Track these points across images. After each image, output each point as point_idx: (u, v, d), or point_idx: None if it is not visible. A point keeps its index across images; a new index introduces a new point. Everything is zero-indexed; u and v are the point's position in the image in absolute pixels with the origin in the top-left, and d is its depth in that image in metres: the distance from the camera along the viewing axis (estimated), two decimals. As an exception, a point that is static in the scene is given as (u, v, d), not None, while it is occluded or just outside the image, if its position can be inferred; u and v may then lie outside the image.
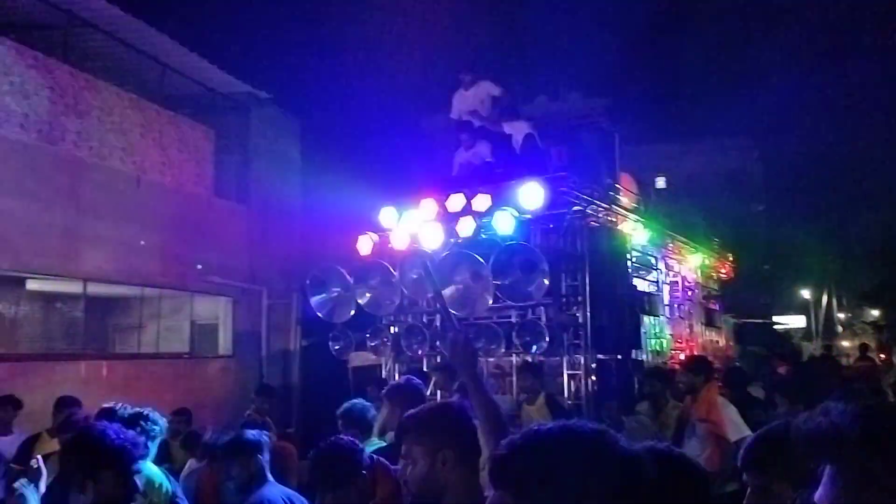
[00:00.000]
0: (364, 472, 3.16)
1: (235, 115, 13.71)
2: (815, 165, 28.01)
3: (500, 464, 1.26)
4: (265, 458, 3.72)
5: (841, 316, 31.22)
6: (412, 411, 2.49)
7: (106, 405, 4.56)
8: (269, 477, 3.70)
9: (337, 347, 8.34)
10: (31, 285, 10.79)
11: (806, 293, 30.49)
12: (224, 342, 13.04)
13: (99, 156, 10.39)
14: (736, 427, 5.09)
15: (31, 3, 10.06)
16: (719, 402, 5.31)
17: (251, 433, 3.84)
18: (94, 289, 10.62)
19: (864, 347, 15.77)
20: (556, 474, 1.18)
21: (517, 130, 8.57)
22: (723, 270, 12.20)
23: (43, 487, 3.13)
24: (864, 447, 1.31)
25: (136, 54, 11.57)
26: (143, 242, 10.76)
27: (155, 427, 4.10)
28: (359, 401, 4.85)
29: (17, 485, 3.05)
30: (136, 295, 11.66)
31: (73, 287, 10.51)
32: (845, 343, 26.62)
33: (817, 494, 1.38)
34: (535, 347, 7.07)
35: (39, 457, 3.30)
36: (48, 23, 10.45)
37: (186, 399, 8.56)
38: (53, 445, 5.18)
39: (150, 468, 3.82)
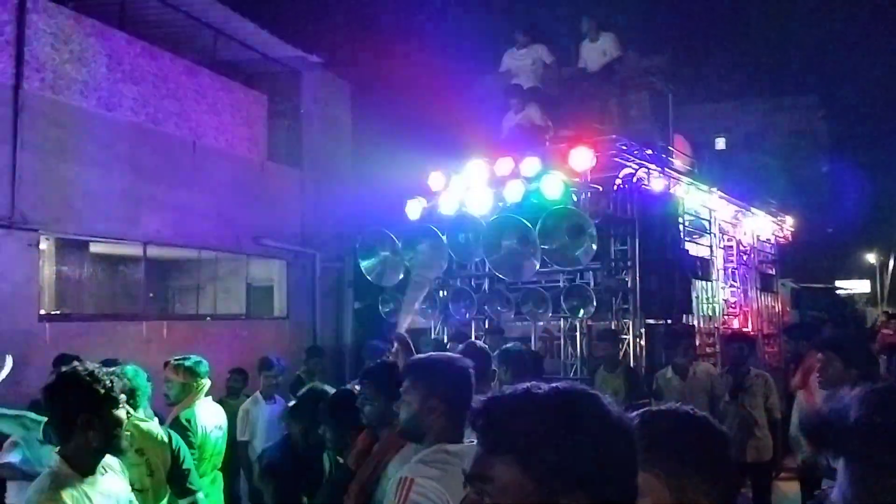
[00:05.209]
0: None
1: (287, 79, 13.80)
2: (883, 124, 26.84)
3: (485, 417, 1.15)
4: None
5: (908, 281, 30.07)
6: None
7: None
8: None
9: (387, 310, 8.46)
10: (95, 248, 11.17)
11: (871, 257, 29.49)
12: (279, 304, 13.32)
13: (155, 121, 10.61)
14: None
15: (88, -29, 10.24)
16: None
17: None
18: (154, 252, 10.93)
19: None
20: (548, 436, 1.07)
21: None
22: (781, 234, 11.88)
23: None
24: (866, 436, 1.12)
25: (190, 21, 11.69)
26: (199, 206, 11.02)
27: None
28: None
29: None
30: (193, 258, 11.97)
31: (134, 250, 10.84)
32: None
33: (833, 493, 1.21)
34: (582, 312, 7.07)
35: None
36: (104, -9, 10.64)
37: (242, 359, 8.81)
38: None
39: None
